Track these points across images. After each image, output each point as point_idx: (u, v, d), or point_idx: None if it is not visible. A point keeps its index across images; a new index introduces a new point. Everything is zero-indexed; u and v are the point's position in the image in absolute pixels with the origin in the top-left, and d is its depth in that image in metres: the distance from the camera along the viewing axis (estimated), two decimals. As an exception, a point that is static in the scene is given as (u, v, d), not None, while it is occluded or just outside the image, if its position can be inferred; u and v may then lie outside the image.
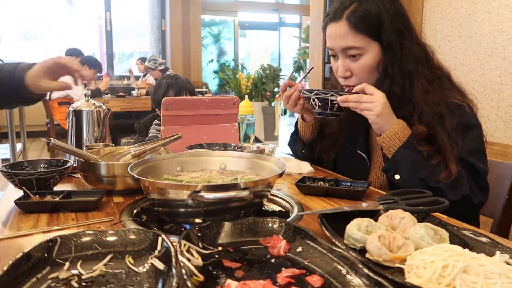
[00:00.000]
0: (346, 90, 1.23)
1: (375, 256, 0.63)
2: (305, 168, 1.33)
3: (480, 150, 1.15)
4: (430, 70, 1.19)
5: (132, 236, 0.66)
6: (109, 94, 5.37)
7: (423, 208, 0.80)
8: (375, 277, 0.53)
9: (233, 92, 7.32)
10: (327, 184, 1.08)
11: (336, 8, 1.19)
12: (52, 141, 1.02)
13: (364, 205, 0.81)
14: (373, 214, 0.79)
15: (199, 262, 0.60)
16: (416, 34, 1.21)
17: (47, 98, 4.82)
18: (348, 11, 1.15)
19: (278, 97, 7.00)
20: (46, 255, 0.60)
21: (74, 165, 1.11)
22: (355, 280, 0.55)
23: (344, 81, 1.23)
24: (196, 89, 3.32)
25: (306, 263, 0.63)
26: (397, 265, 0.62)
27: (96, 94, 4.99)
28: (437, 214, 0.82)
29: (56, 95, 4.73)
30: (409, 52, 1.16)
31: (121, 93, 5.43)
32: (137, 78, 6.53)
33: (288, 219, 0.83)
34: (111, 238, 0.65)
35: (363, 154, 1.27)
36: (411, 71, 1.15)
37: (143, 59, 6.31)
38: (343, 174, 1.30)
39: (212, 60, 8.43)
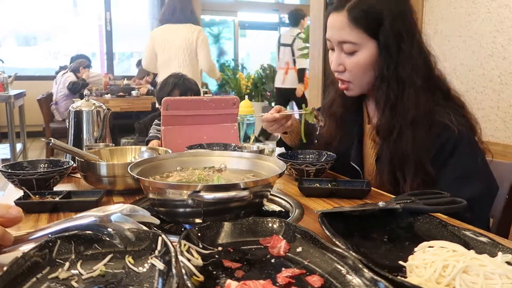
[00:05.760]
0: (340, 85, 1.20)
1: None
2: None
3: (464, 175, 1.06)
4: (427, 81, 1.12)
5: (132, 236, 0.66)
6: (109, 94, 5.37)
7: (440, 207, 0.79)
8: (375, 277, 0.53)
9: (233, 92, 7.32)
10: (329, 185, 1.07)
11: None
12: (52, 141, 1.02)
13: (380, 204, 0.80)
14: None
15: (199, 262, 0.60)
16: (419, 40, 1.14)
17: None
18: (351, 3, 1.10)
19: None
20: (46, 255, 0.60)
21: (74, 165, 1.11)
22: (355, 280, 0.55)
23: (337, 74, 1.18)
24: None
25: (306, 263, 0.63)
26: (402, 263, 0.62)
27: (81, 85, 5.10)
28: (437, 214, 0.82)
29: None
30: (406, 57, 1.09)
31: (121, 93, 5.43)
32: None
33: (288, 219, 0.83)
34: (111, 238, 0.65)
35: (356, 166, 1.24)
36: (404, 78, 1.09)
37: (140, 62, 6.35)
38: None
39: (212, 60, 8.43)
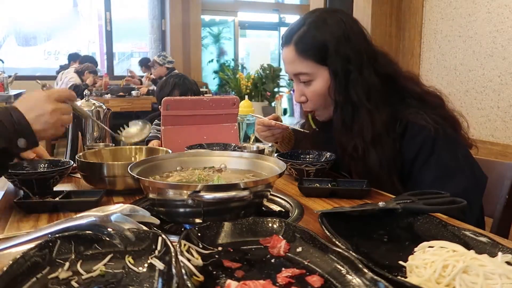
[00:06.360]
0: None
1: None
2: None
3: (445, 173, 1.07)
4: (390, 94, 1.13)
5: (132, 236, 0.66)
6: (109, 94, 5.37)
7: (440, 207, 0.79)
8: (375, 277, 0.53)
9: (233, 92, 7.31)
10: (329, 185, 1.07)
11: (288, 32, 1.17)
12: (47, 85, 1.00)
13: (380, 204, 0.80)
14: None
15: (199, 262, 0.60)
16: (372, 57, 1.13)
17: None
18: (296, 35, 1.14)
19: (278, 97, 7.00)
20: (46, 255, 0.60)
21: (74, 165, 1.11)
22: (355, 280, 0.55)
23: (302, 105, 1.23)
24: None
25: (306, 263, 0.63)
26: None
27: (82, 90, 5.09)
28: (437, 214, 0.82)
29: None
30: (355, 79, 1.11)
31: (121, 93, 5.43)
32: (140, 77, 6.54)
33: (288, 219, 0.83)
34: (111, 238, 0.65)
35: (346, 174, 1.25)
36: (355, 101, 1.11)
37: (143, 61, 6.37)
38: None
39: (212, 60, 8.43)
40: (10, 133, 0.83)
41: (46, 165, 1.12)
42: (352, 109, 1.12)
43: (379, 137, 1.10)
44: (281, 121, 1.36)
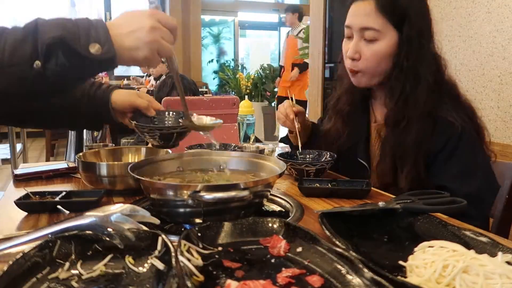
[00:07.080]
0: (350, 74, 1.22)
1: None
2: None
3: (466, 171, 1.09)
4: (438, 83, 1.15)
5: (132, 236, 0.66)
6: (109, 94, 5.37)
7: (440, 207, 0.79)
8: (375, 277, 0.53)
9: (233, 92, 7.32)
10: (329, 185, 1.07)
11: None
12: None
13: (380, 204, 0.81)
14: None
15: (199, 262, 0.60)
16: (434, 43, 1.18)
17: None
18: None
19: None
20: (46, 255, 0.60)
21: (74, 165, 1.11)
22: (355, 280, 0.55)
23: (351, 63, 1.18)
24: (196, 89, 3.33)
25: (306, 263, 0.63)
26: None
27: None
28: (437, 214, 0.82)
29: None
30: (424, 53, 1.13)
31: (121, 93, 5.42)
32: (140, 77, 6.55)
33: (288, 219, 0.83)
34: (111, 238, 0.65)
35: (364, 162, 1.26)
36: (420, 73, 1.13)
37: None
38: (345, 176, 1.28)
39: (212, 60, 8.43)
40: (80, 30, 0.71)
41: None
42: (414, 79, 1.13)
43: (424, 116, 1.12)
44: (305, 117, 1.36)
